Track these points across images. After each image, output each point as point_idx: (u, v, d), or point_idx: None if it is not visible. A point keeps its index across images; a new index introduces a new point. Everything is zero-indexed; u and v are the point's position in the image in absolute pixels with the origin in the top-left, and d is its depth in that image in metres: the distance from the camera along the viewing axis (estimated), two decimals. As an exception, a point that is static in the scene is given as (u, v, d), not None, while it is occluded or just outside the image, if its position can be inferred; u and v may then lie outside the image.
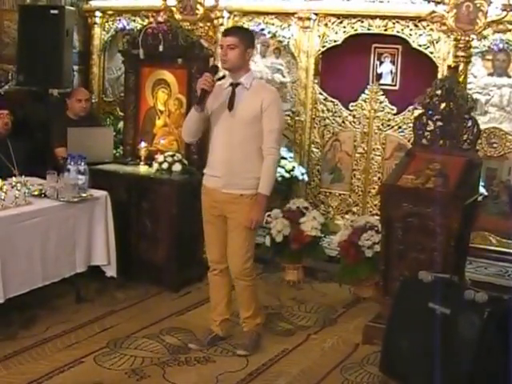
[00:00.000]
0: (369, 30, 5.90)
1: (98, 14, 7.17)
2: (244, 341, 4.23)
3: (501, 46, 5.43)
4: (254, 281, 4.27)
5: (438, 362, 3.51)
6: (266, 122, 3.97)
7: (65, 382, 3.78)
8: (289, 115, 6.25)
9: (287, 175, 5.99)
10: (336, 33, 6.02)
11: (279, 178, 5.74)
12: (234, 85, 4.03)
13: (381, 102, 5.97)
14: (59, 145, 5.58)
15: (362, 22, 5.90)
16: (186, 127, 4.17)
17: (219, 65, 4.23)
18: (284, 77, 6.43)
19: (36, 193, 4.59)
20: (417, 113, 5.16)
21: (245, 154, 3.98)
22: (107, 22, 7.22)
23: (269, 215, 5.34)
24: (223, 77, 4.16)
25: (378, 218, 5.21)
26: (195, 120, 4.07)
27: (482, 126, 4.78)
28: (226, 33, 4.10)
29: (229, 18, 6.36)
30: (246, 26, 6.05)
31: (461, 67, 5.15)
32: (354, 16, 5.92)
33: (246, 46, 3.99)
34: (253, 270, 4.24)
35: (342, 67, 6.18)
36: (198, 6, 6.25)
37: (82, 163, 4.67)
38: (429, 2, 5.29)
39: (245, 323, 4.28)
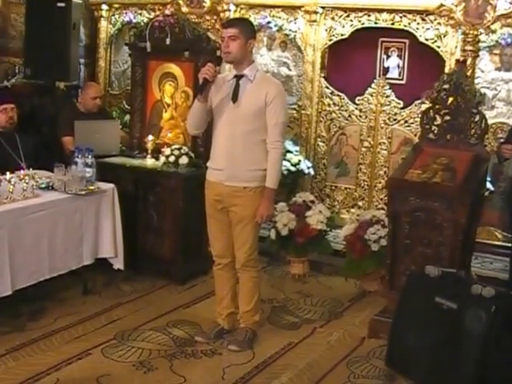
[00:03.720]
0: (376, 23, 5.89)
1: (104, 7, 7.17)
2: (238, 337, 4.22)
3: (509, 40, 5.41)
4: (259, 272, 4.30)
5: (445, 357, 3.53)
6: (271, 115, 3.96)
7: (72, 373, 3.80)
8: (295, 109, 6.26)
9: (293, 169, 5.99)
10: (343, 26, 6.01)
11: (285, 172, 5.75)
12: (238, 77, 4.02)
13: (387, 96, 5.97)
14: (66, 134, 5.59)
15: (369, 15, 5.89)
16: (190, 119, 4.18)
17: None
18: (290, 70, 6.43)
19: (43, 185, 4.60)
20: (423, 107, 5.17)
21: (248, 146, 3.98)
22: (113, 15, 7.22)
23: (275, 208, 5.34)
24: (219, 58, 4.13)
25: (384, 212, 5.23)
26: (198, 111, 4.07)
27: (489, 121, 4.77)
28: (227, 24, 4.08)
29: (235, 10, 6.36)
30: (252, 18, 6.05)
31: (469, 61, 5.14)
32: (361, 10, 5.91)
33: (248, 36, 3.97)
34: (257, 261, 4.25)
35: (349, 61, 6.18)
36: (205, -1, 6.28)
37: (90, 156, 4.68)
38: (437, -5, 5.28)
39: (242, 318, 4.27)
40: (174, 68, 5.52)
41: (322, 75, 6.20)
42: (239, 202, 4.03)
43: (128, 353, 4.05)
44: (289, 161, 5.94)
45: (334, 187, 6.29)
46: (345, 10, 5.98)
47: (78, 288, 4.84)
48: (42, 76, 6.27)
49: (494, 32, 5.35)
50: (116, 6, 7.16)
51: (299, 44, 6.23)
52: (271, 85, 4.05)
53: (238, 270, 4.22)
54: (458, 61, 4.65)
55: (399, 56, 6.02)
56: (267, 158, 3.99)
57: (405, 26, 5.77)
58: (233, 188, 4.02)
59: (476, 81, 5.44)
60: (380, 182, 6.03)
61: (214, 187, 4.11)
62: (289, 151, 5.97)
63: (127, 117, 6.34)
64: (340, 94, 6.15)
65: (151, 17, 6.18)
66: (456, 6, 5.22)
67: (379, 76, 6.05)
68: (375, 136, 6.04)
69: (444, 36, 5.60)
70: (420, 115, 4.69)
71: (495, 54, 5.56)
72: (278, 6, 6.24)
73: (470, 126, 4.33)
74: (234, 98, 3.99)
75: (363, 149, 6.11)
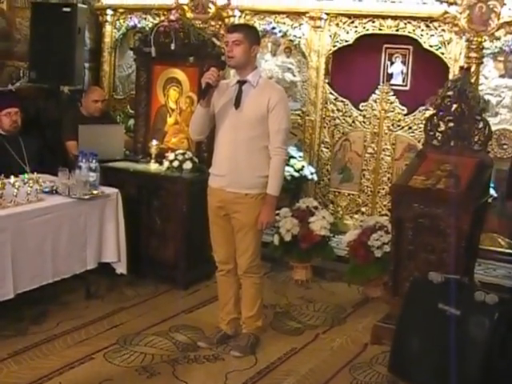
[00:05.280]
0: (380, 30, 5.90)
1: (109, 11, 7.19)
2: (240, 343, 4.21)
3: (513, 47, 5.43)
4: (261, 279, 4.28)
5: (448, 363, 3.52)
6: (273, 121, 3.96)
7: (75, 377, 3.80)
8: (299, 115, 6.27)
9: (296, 174, 5.99)
10: (347, 32, 6.02)
11: (288, 177, 5.75)
12: (241, 82, 4.03)
13: (391, 103, 5.96)
14: (70, 138, 5.61)
15: (374, 22, 5.90)
16: (193, 124, 4.17)
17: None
18: (294, 76, 6.44)
19: (47, 189, 4.61)
20: (427, 113, 5.17)
21: (250, 152, 3.97)
22: (118, 19, 7.24)
23: (278, 214, 5.35)
24: (223, 62, 4.12)
25: (387, 218, 5.23)
26: (201, 116, 4.07)
27: (493, 128, 4.78)
28: (231, 29, 4.09)
29: (240, 16, 6.38)
30: (257, 24, 6.06)
31: (473, 68, 5.14)
32: (366, 16, 5.91)
33: (251, 42, 3.98)
34: (260, 267, 4.25)
35: (353, 67, 6.18)
36: (210, 5, 6.28)
37: (94, 160, 4.69)
38: (441, 2, 5.28)
39: (245, 324, 4.27)
40: (178, 73, 5.54)
41: (326, 81, 6.20)
42: (241, 208, 4.02)
43: (131, 357, 4.05)
44: (292, 166, 5.94)
45: (337, 193, 6.29)
46: (349, 16, 5.98)
47: (81, 292, 4.84)
48: (47, 80, 6.28)
49: (498, 39, 5.34)
50: (121, 10, 7.18)
51: (303, 50, 6.24)
52: (274, 91, 4.04)
53: (240, 276, 4.21)
54: (462, 67, 4.65)
55: (403, 62, 6.02)
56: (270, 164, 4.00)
57: (409, 32, 5.77)
58: (235, 194, 4.01)
59: (480, 87, 5.44)
60: (383, 188, 6.03)
61: (216, 194, 4.10)
62: (292, 157, 5.97)
63: (131, 121, 6.35)
64: (344, 99, 6.15)
65: (156, 22, 6.20)
66: (460, 13, 5.22)
67: (383, 82, 6.05)
68: (379, 142, 6.04)
69: (448, 43, 5.60)
70: (424, 121, 4.70)
71: (499, 61, 5.57)
72: (283, 12, 6.26)
73: (474, 133, 4.33)
74: (237, 103, 3.99)
75: (367, 155, 6.11)
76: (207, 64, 5.20)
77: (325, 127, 6.25)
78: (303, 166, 6.05)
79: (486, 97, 5.45)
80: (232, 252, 4.17)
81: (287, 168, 5.60)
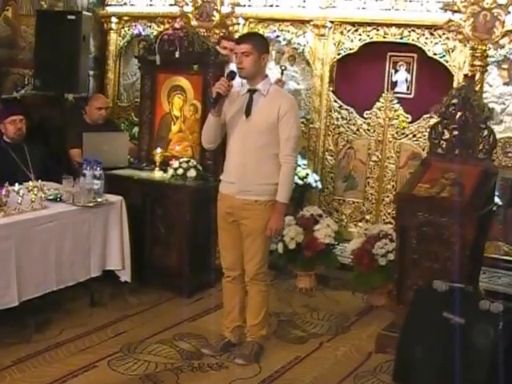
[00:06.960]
0: (384, 38, 5.92)
1: (113, 19, 7.22)
2: (244, 351, 4.20)
3: (517, 55, 5.43)
4: (268, 287, 4.28)
5: (452, 372, 3.51)
6: (283, 129, 3.97)
7: (79, 385, 3.81)
8: (303, 122, 6.26)
9: (301, 182, 5.99)
10: (351, 41, 6.04)
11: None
12: (252, 91, 4.04)
13: (395, 111, 5.97)
14: (74, 146, 5.62)
15: (378, 30, 5.92)
16: (205, 133, 4.19)
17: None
18: (298, 84, 6.45)
19: (52, 197, 4.61)
20: (431, 121, 5.17)
21: (260, 160, 3.99)
22: (123, 27, 7.27)
23: (283, 222, 5.35)
24: (233, 72, 4.12)
25: (391, 226, 5.22)
26: (212, 125, 4.08)
27: (498, 136, 4.78)
28: (240, 40, 4.11)
29: (244, 24, 6.39)
30: (261, 32, 6.06)
31: (477, 76, 5.14)
32: (370, 24, 5.94)
33: (261, 51, 3.99)
34: (267, 275, 4.25)
35: (357, 75, 6.19)
36: (215, 13, 6.29)
37: (98, 168, 4.69)
38: (445, 10, 5.27)
39: (249, 332, 4.26)
40: (182, 81, 5.54)
41: (331, 89, 6.22)
42: (250, 215, 4.03)
43: (134, 365, 4.04)
44: (297, 174, 5.92)
45: (341, 201, 6.29)
46: (353, 24, 6.00)
47: (85, 300, 4.84)
48: (51, 87, 6.28)
49: (502, 47, 5.33)
50: (125, 18, 7.21)
51: (308, 58, 6.25)
52: (284, 99, 4.05)
53: (247, 283, 4.21)
54: (466, 75, 4.65)
55: (407, 70, 6.03)
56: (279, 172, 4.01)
57: (413, 40, 5.79)
58: (244, 201, 4.02)
59: (484, 95, 5.43)
60: (388, 196, 6.03)
61: (226, 200, 4.12)
62: (297, 164, 5.96)
63: (135, 129, 6.36)
64: (348, 107, 6.16)
65: (160, 30, 6.21)
66: (464, 21, 5.22)
67: (387, 90, 6.06)
68: (383, 150, 6.04)
69: (452, 51, 5.62)
70: (428, 130, 4.69)
71: (503, 69, 5.58)
72: (287, 20, 6.28)
73: (479, 141, 4.33)
74: (247, 112, 4.00)
75: (371, 163, 6.11)
76: (211, 72, 5.27)
77: (329, 135, 6.26)
78: (307, 174, 6.06)
79: (491, 105, 5.42)
80: (239, 258, 4.17)
81: (291, 176, 5.60)
